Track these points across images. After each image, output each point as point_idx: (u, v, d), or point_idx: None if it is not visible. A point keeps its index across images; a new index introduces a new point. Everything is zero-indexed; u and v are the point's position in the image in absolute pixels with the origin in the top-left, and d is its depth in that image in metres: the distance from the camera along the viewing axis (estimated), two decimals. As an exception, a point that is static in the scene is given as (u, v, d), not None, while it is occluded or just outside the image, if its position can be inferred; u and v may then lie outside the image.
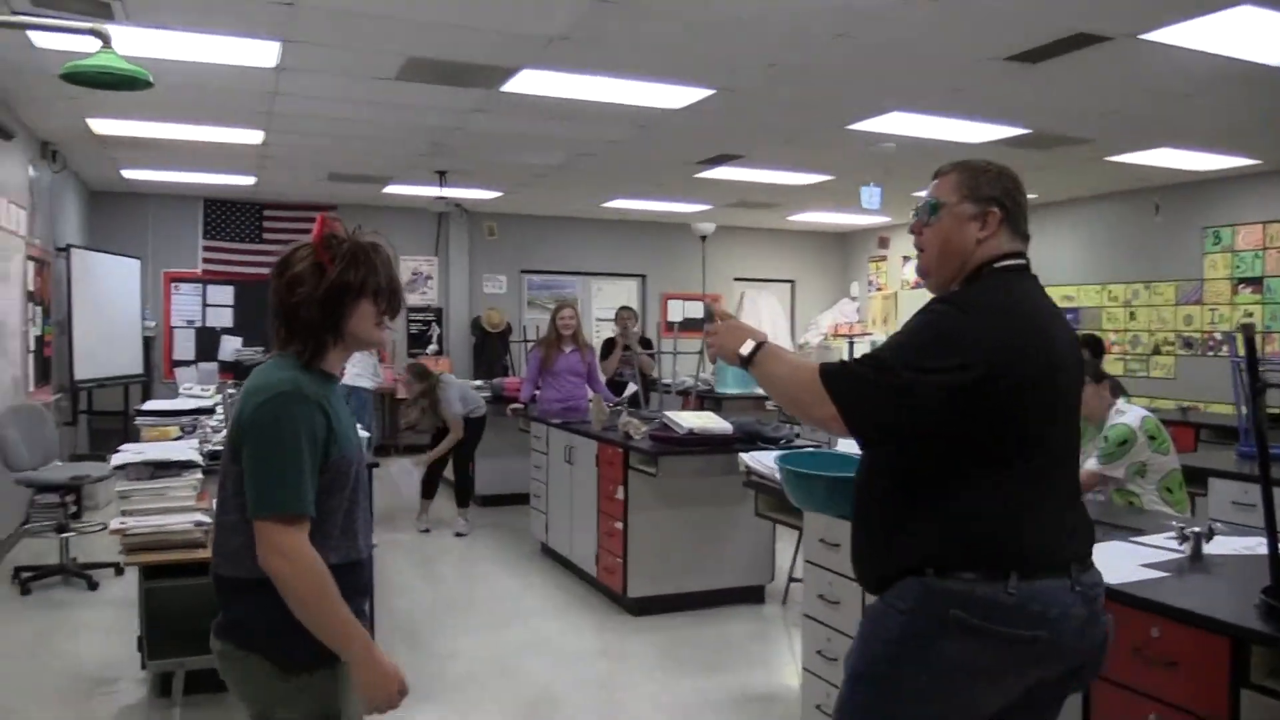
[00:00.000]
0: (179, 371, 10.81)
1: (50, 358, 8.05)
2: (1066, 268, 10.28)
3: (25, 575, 5.60)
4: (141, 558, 3.57)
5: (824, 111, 6.58)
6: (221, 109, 6.72)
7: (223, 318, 11.20)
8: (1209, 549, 2.73)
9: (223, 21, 4.86)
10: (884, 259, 12.99)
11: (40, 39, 5.10)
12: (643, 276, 12.98)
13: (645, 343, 9.15)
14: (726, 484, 4.97)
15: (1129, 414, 3.94)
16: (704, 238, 10.24)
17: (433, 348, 7.72)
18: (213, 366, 10.69)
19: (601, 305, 12.71)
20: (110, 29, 4.59)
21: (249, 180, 9.89)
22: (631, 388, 7.94)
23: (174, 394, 8.06)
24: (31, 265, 7.36)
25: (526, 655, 4.67)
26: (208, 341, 11.12)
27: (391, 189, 10.23)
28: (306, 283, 1.92)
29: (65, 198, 9.15)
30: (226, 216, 11.17)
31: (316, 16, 4.75)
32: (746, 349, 2.01)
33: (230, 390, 5.42)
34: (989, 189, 2.02)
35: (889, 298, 12.83)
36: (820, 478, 2.47)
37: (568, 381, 6.97)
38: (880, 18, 4.66)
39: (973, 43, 5.06)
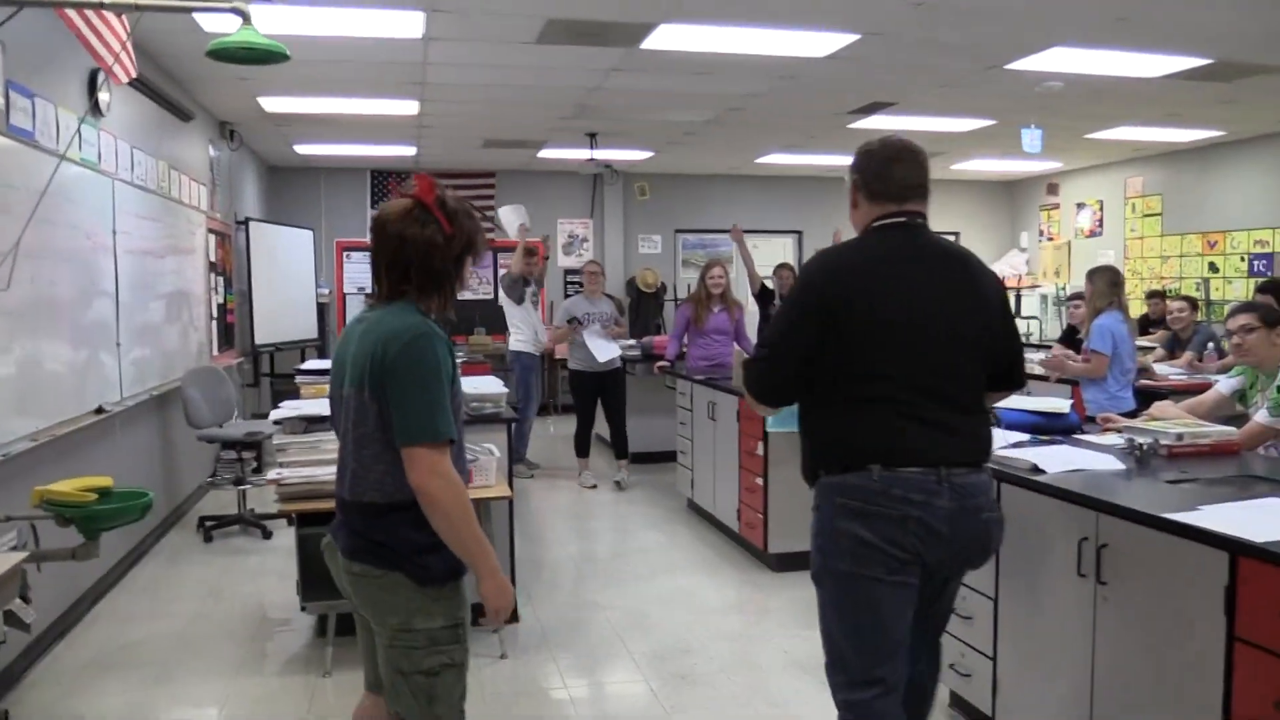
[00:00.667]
0: (351, 335, 11.38)
1: (233, 324, 8.64)
2: (1256, 210, 9.43)
3: (208, 524, 6.08)
4: (296, 506, 3.80)
5: (979, 51, 6.23)
6: (377, 81, 6.98)
7: (391, 284, 11.71)
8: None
9: (366, -7, 5.02)
10: (1056, 207, 12.28)
11: (206, 22, 5.41)
12: (799, 233, 12.75)
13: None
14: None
15: (1311, 362, 3.59)
16: (858, 190, 9.93)
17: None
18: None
19: (757, 262, 12.54)
20: (256, 8, 4.86)
21: (410, 150, 10.27)
22: None
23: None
24: (213, 238, 7.89)
25: (665, 608, 4.73)
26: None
27: (545, 153, 10.40)
28: (439, 240, 2.14)
29: (244, 173, 9.75)
30: (391, 186, 11.64)
31: (454, -18, 4.85)
32: None
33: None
34: (852, 164, 2.55)
35: (1061, 247, 12.13)
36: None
37: (715, 340, 6.96)
38: (1030, -56, 4.37)
39: (1137, -36, 4.67)
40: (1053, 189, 12.18)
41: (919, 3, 5.16)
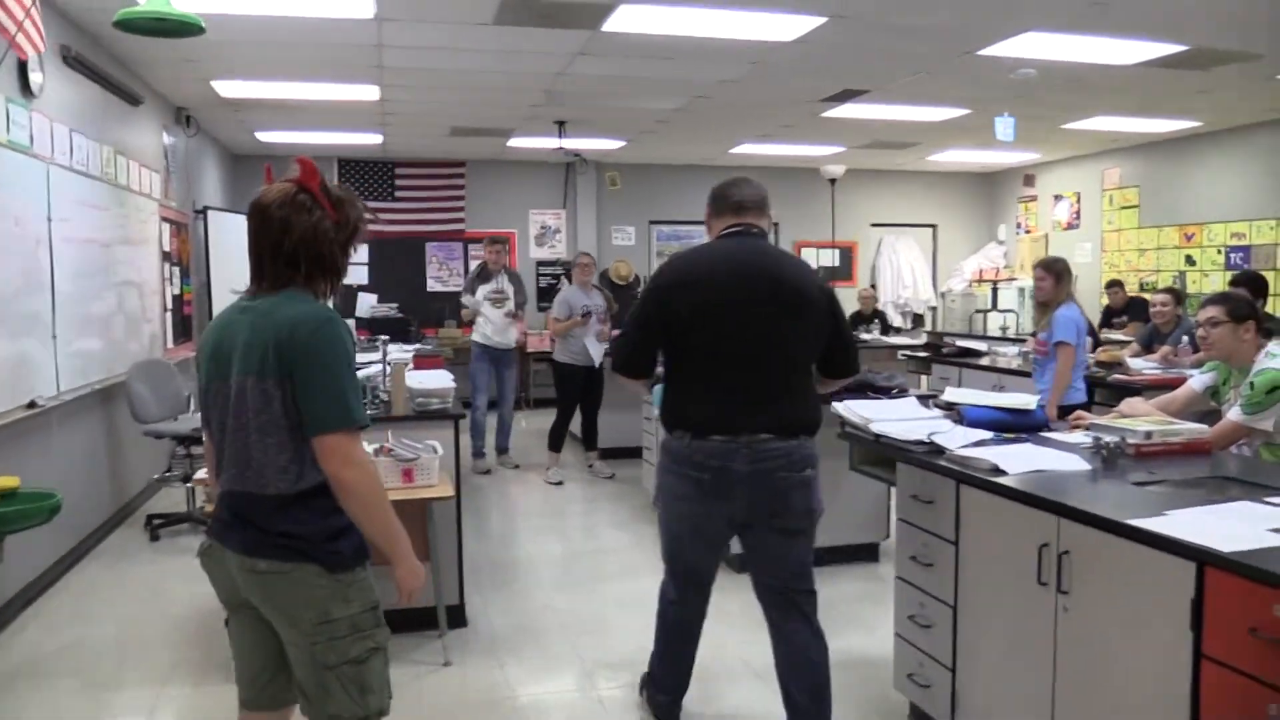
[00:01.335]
0: (318, 328, 11.14)
1: (190, 315, 8.40)
2: (1233, 203, 9.33)
3: (155, 523, 5.86)
4: (225, 507, 3.60)
5: (950, 36, 6.07)
6: (333, 65, 6.77)
7: (359, 275, 11.48)
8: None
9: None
10: (1033, 199, 12.16)
11: None
12: (774, 224, 12.58)
13: None
14: (834, 436, 4.68)
15: (1282, 358, 3.44)
16: (833, 181, 9.80)
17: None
18: (349, 323, 10.97)
19: (731, 255, 12.39)
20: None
21: (377, 138, 10.04)
22: None
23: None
24: (167, 227, 7.65)
25: (623, 612, 4.56)
26: (345, 299, 11.41)
27: (515, 142, 10.20)
28: (327, 227, 2.09)
29: (204, 161, 9.50)
30: (359, 175, 11.41)
31: (401, -41, 4.65)
32: None
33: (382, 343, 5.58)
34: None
35: (1039, 240, 12.02)
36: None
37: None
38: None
39: (1110, -56, 4.51)
40: (1029, 180, 12.07)
41: (886, -16, 5.00)
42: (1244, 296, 3.63)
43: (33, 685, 3.80)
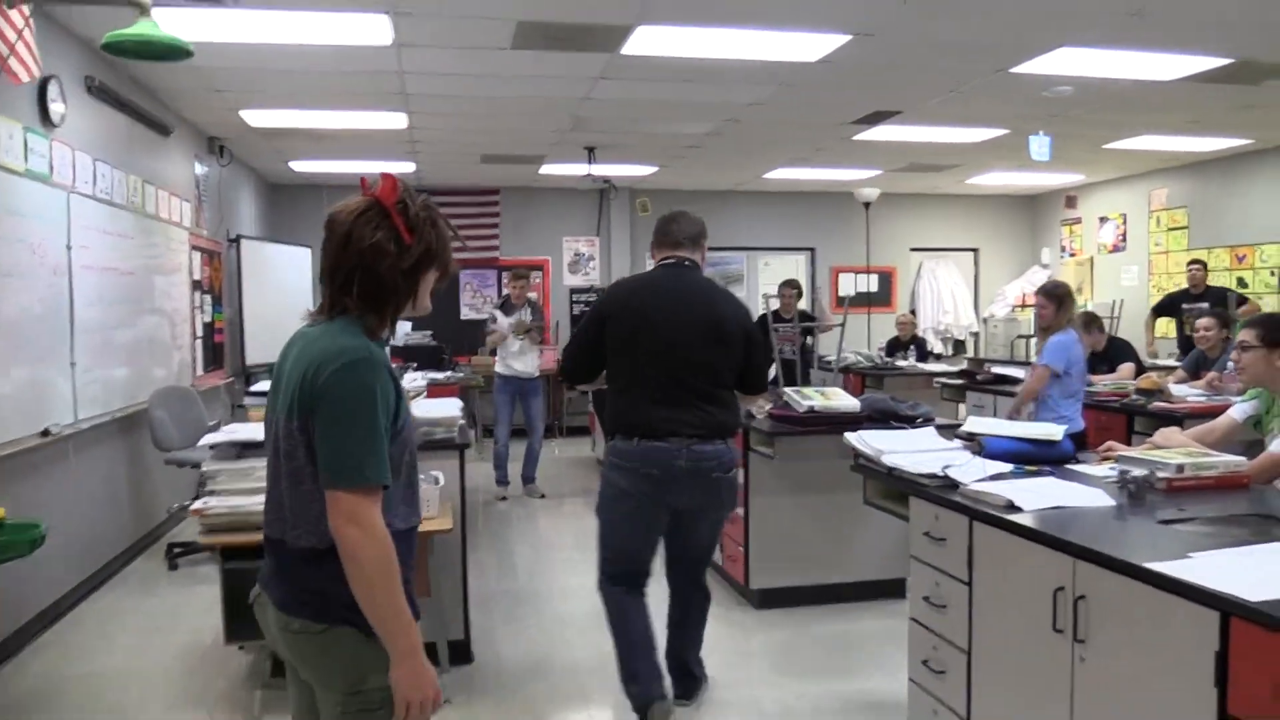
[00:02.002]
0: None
1: (222, 343, 8.43)
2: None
3: (175, 551, 5.82)
4: (221, 539, 3.53)
5: (979, 54, 5.90)
6: (358, 93, 6.77)
7: (393, 302, 11.49)
8: None
9: (323, -5, 4.79)
10: (1078, 221, 11.86)
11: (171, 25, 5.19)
12: (811, 250, 12.41)
13: (806, 317, 8.51)
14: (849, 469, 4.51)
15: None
16: (867, 205, 9.61)
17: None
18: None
19: (769, 280, 12.23)
20: (209, 11, 4.64)
21: (409, 166, 10.06)
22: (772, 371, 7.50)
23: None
24: (198, 255, 7.69)
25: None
26: (379, 327, 11.44)
27: (546, 169, 10.16)
28: (391, 248, 1.85)
29: (239, 190, 9.59)
30: (363, 184, 11.42)
31: (412, -17, 4.61)
32: None
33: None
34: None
35: (1084, 263, 11.70)
36: None
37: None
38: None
39: (1142, -46, 4.32)
40: (1071, 202, 11.77)
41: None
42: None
43: (44, 714, 3.75)
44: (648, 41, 5.49)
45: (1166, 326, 8.84)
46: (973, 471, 2.96)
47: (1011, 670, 2.58)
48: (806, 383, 7.44)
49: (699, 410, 3.36)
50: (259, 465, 3.72)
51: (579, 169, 9.64)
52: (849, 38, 5.48)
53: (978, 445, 3.34)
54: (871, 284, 12.26)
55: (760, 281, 12.31)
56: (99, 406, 5.46)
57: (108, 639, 4.63)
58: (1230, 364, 5.75)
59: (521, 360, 7.67)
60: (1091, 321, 6.86)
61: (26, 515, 4.31)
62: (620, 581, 3.57)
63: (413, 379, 5.80)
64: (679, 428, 3.33)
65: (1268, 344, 3.26)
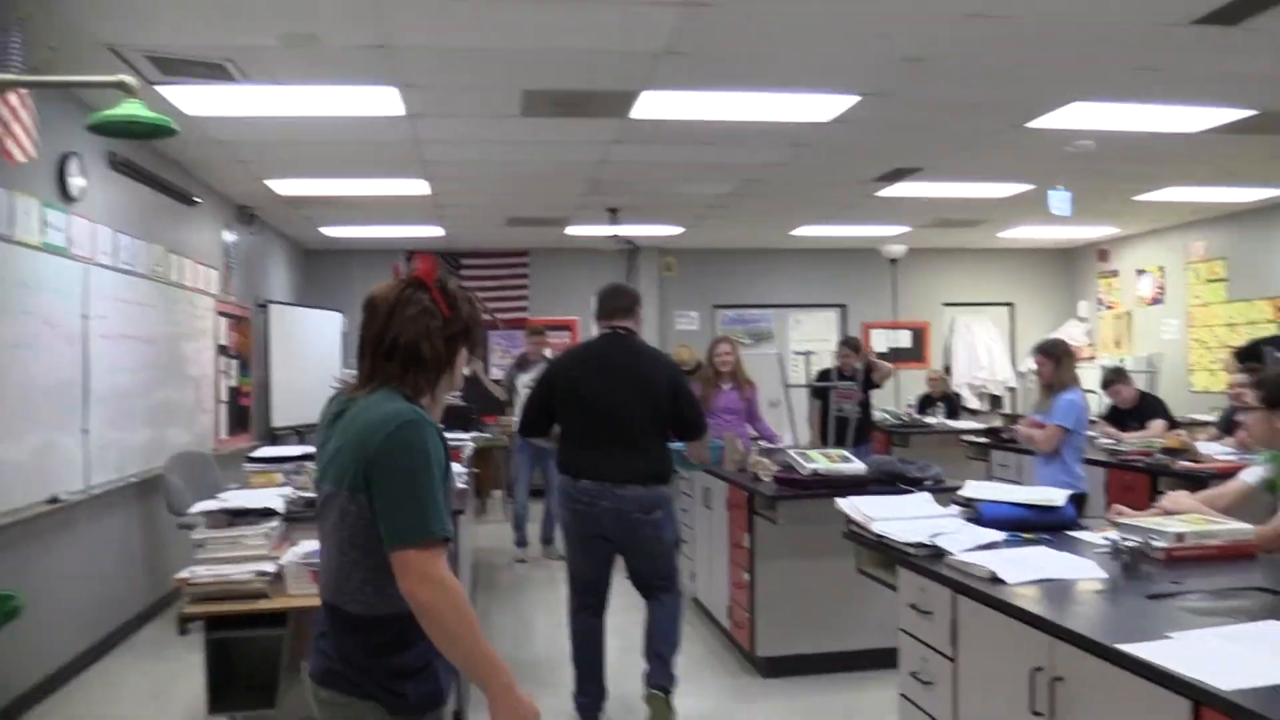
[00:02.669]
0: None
1: (248, 407, 8.52)
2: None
3: (184, 615, 5.80)
4: (205, 609, 3.50)
5: (992, 111, 5.85)
6: (378, 161, 6.88)
7: (423, 364, 11.56)
8: None
9: (327, 71, 4.88)
10: (1114, 274, 11.64)
11: (187, 105, 5.33)
12: (842, 306, 12.31)
13: (868, 368, 8.21)
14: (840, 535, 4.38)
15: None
16: (893, 261, 9.53)
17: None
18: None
19: (800, 337, 12.13)
20: (221, 88, 4.75)
21: (439, 231, 10.19)
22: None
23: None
24: (224, 321, 7.81)
25: (637, 716, 4.27)
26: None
27: (572, 230, 10.23)
28: (433, 321, 1.97)
29: (271, 256, 9.77)
30: (395, 270, 11.55)
31: (414, 56, 4.69)
32: None
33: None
34: None
35: (1121, 317, 11.45)
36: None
37: (725, 420, 6.51)
38: (1015, -11, 4.02)
39: (1145, 5, 4.25)
40: (1103, 255, 11.57)
41: (909, 58, 4.82)
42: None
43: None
44: (654, 106, 5.52)
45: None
46: (962, 541, 2.85)
47: (997, 754, 2.45)
48: (868, 442, 7.31)
49: (621, 458, 3.95)
50: (249, 533, 3.72)
51: (604, 230, 9.70)
52: (859, 98, 5.46)
53: (974, 511, 3.22)
54: (903, 339, 12.12)
55: (791, 338, 12.19)
56: (113, 471, 5.51)
57: (106, 706, 4.61)
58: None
59: None
60: (1117, 377, 6.69)
61: (31, 582, 4.36)
62: (581, 603, 4.20)
63: (456, 439, 5.81)
64: (604, 472, 3.95)
65: (1268, 405, 3.12)
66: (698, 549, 5.89)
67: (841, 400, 7.27)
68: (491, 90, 5.27)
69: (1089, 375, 10.87)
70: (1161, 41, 4.66)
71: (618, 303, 4.26)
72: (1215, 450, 5.53)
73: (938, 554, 2.79)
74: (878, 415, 8.80)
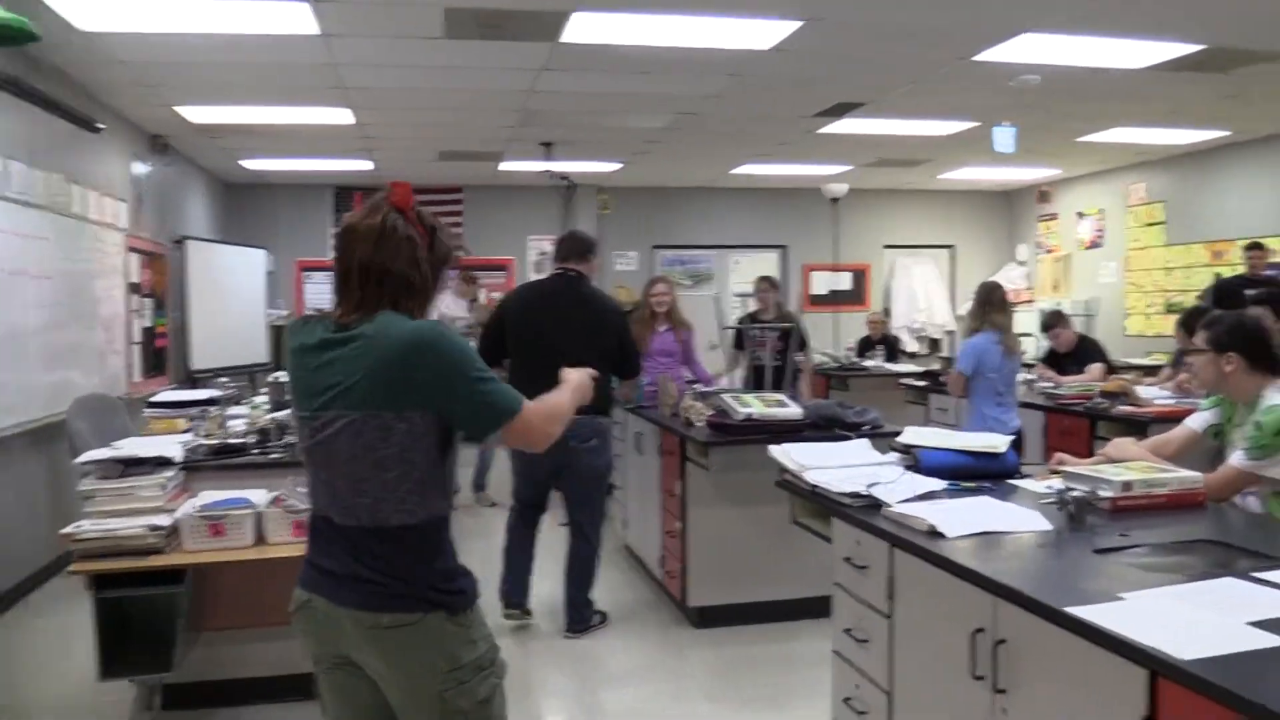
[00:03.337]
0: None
1: (165, 349, 8.11)
2: (1266, 217, 8.70)
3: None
4: (94, 566, 3.24)
5: (938, 40, 5.63)
6: (293, 86, 6.49)
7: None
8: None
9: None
10: (1054, 217, 11.61)
11: (78, 18, 4.89)
12: (783, 247, 12.14)
13: (785, 317, 7.96)
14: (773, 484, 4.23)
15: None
16: (835, 200, 9.35)
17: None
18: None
19: (740, 279, 11.95)
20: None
21: (367, 164, 9.77)
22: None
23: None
24: (135, 258, 7.38)
25: (556, 671, 4.12)
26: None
27: (506, 165, 9.87)
28: (417, 250, 1.97)
29: (188, 190, 9.27)
30: (356, 200, 11.14)
31: (324, -35, 4.33)
32: None
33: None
34: None
35: (1060, 260, 11.45)
36: None
37: (660, 363, 6.32)
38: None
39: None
40: (1044, 197, 11.53)
41: (856, -18, 4.58)
42: (1243, 321, 3.12)
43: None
44: (585, 29, 5.22)
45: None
46: (900, 490, 2.68)
47: (934, 717, 2.31)
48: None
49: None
50: (143, 484, 3.45)
51: (538, 165, 9.36)
52: (800, 24, 5.21)
53: (914, 459, 3.07)
54: (843, 282, 12.00)
55: (731, 280, 12.01)
56: (8, 417, 5.16)
57: (16, 660, 4.34)
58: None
59: None
60: (1056, 320, 6.61)
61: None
62: (520, 515, 4.62)
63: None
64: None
65: (1216, 347, 2.98)
66: (629, 495, 5.72)
67: (757, 347, 7.01)
68: (410, 7, 4.92)
69: (1027, 319, 10.88)
70: (1114, -31, 4.47)
71: (572, 246, 4.60)
72: (1155, 395, 5.46)
73: (874, 505, 2.62)
74: (817, 359, 8.67)
